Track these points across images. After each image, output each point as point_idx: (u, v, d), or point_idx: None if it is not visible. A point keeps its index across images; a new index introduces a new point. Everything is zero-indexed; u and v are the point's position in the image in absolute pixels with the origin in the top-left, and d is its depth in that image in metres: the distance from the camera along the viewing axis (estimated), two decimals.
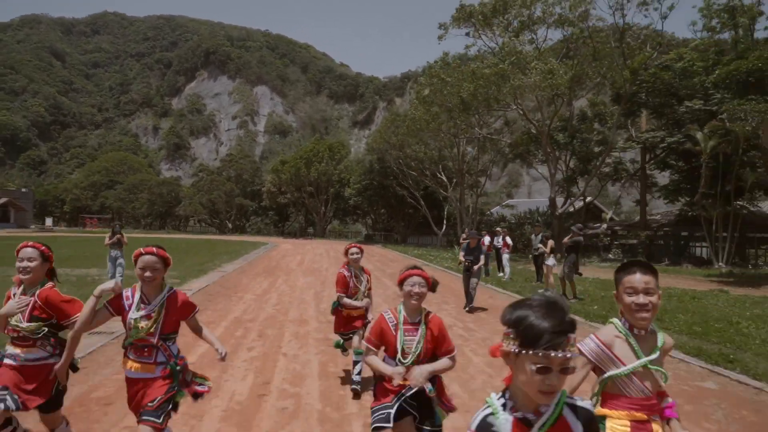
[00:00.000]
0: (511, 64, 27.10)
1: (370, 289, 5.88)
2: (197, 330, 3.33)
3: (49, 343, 3.29)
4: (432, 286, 3.23)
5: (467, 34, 31.13)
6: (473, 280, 11.34)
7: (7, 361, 3.26)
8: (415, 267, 3.26)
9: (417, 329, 3.13)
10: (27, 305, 3.24)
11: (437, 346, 3.10)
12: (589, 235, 33.02)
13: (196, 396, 3.32)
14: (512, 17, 29.78)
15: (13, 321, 3.22)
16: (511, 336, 1.53)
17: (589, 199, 38.50)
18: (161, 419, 2.99)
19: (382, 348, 3.21)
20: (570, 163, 35.29)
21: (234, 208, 73.09)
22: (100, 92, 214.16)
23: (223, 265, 20.18)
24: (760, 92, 18.88)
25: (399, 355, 3.09)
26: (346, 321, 5.73)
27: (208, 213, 75.01)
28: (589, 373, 2.44)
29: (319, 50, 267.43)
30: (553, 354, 1.42)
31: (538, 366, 1.44)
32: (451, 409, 3.19)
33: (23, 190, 76.12)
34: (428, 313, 3.22)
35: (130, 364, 3.10)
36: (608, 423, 2.31)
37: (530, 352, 1.45)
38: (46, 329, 3.25)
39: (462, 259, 11.49)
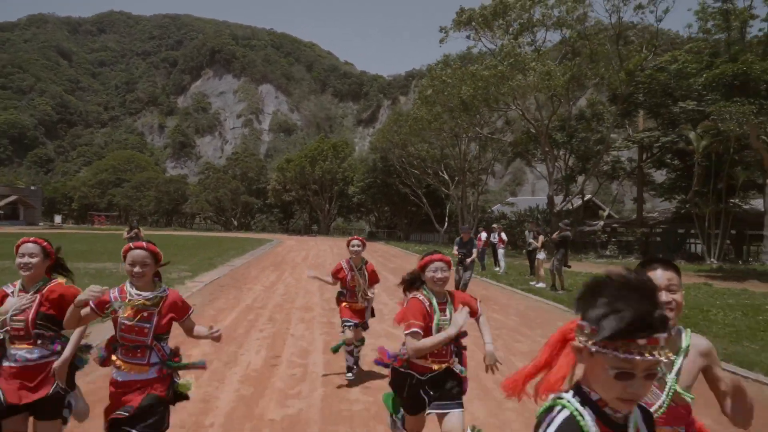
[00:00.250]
0: (509, 65, 27.91)
1: (371, 284, 5.88)
2: (191, 330, 3.14)
3: (52, 341, 3.14)
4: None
5: (468, 36, 31.98)
6: (467, 273, 12.18)
7: (6, 363, 3.05)
8: (435, 252, 3.38)
9: (445, 308, 3.24)
10: (32, 302, 3.08)
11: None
12: (587, 231, 33.80)
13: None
14: (512, 20, 30.59)
15: (14, 319, 3.05)
16: (586, 330, 1.27)
17: (588, 196, 39.28)
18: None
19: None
20: (569, 162, 36.05)
21: (239, 206, 74.13)
22: (106, 91, 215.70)
23: (231, 260, 21.07)
24: (744, 95, 19.64)
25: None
26: (349, 312, 5.78)
27: (214, 210, 76.12)
28: None
29: (323, 49, 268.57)
30: (638, 358, 1.18)
31: (618, 371, 1.20)
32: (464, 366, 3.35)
33: (32, 187, 77.37)
34: (451, 292, 3.35)
35: (119, 364, 2.92)
36: None
37: (609, 353, 1.20)
38: (52, 326, 3.11)
39: (456, 252, 12.32)
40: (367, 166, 55.58)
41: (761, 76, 19.92)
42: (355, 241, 5.88)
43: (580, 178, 35.09)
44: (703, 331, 8.48)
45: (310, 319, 9.40)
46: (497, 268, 18.84)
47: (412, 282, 3.42)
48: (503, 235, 19.26)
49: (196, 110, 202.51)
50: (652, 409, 1.79)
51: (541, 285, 14.54)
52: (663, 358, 1.19)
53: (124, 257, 2.92)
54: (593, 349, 1.24)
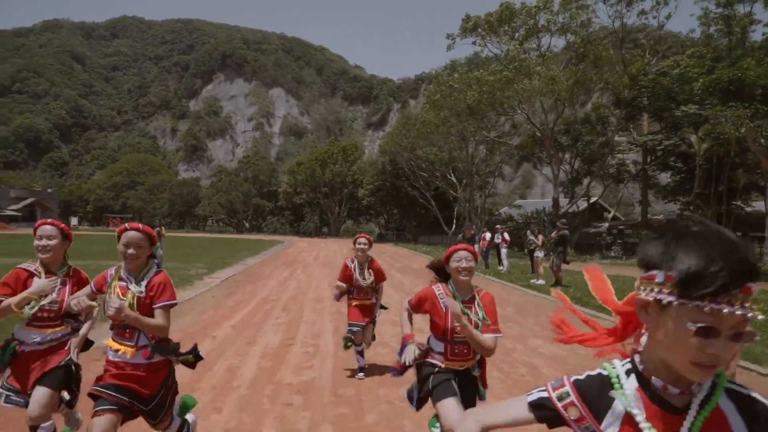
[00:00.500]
0: (514, 69, 28.62)
1: (377, 282, 5.79)
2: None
3: (74, 321, 3.23)
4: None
5: (474, 42, 32.76)
6: None
7: (28, 349, 3.05)
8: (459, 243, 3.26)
9: (472, 306, 3.08)
10: (59, 284, 3.13)
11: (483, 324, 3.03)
12: (592, 233, 34.32)
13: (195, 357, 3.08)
14: (518, 26, 31.33)
15: (45, 300, 3.05)
16: (657, 279, 1.04)
17: (593, 199, 39.80)
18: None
19: (424, 325, 3.11)
20: (575, 165, 36.63)
21: (251, 208, 75.37)
22: (119, 95, 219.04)
23: (245, 259, 21.97)
24: (740, 99, 20.25)
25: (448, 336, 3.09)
26: (357, 313, 5.68)
27: (226, 213, 77.43)
28: None
29: (334, 52, 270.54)
30: (726, 309, 0.96)
31: (701, 325, 0.98)
32: (485, 387, 3.26)
33: (49, 190, 79.21)
34: (480, 289, 3.20)
35: (111, 343, 2.86)
36: None
37: (690, 303, 0.98)
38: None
39: None
40: (377, 169, 56.53)
41: (756, 82, 20.53)
42: (362, 239, 5.76)
43: (586, 181, 35.66)
44: None
45: (321, 309, 10.18)
46: (501, 267, 19.55)
47: (437, 272, 3.33)
48: (506, 236, 19.99)
49: (207, 114, 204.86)
50: None
51: (540, 282, 15.20)
52: (758, 315, 0.98)
53: (119, 238, 2.84)
54: (667, 300, 1.01)
